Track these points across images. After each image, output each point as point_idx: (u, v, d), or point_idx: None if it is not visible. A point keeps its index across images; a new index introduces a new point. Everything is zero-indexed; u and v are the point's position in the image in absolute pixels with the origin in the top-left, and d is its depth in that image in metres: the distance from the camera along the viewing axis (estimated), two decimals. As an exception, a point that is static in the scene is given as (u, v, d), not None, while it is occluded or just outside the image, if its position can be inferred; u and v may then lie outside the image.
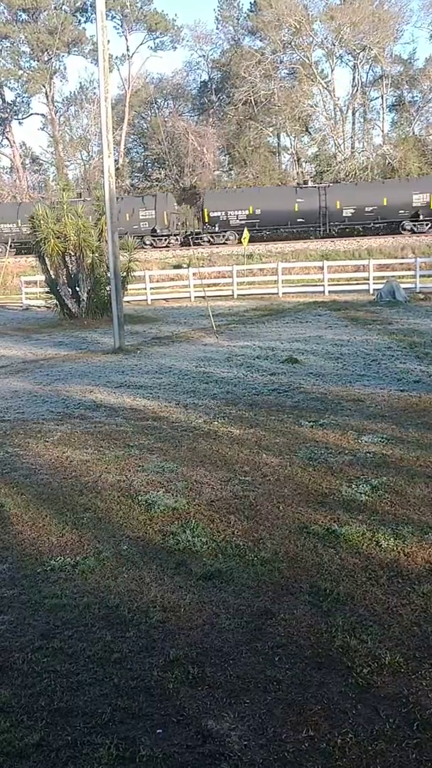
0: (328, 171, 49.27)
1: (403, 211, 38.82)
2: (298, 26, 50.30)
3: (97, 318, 20.69)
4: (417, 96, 56.85)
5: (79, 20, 59.59)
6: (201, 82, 61.84)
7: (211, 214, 39.56)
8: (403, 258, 31.87)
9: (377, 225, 39.66)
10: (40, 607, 4.30)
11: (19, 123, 64.81)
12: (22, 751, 3.09)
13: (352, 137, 55.63)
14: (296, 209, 39.16)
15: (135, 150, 62.91)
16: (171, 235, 41.02)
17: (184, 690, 3.46)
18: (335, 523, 5.31)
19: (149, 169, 60.37)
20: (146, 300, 27.42)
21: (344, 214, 39.10)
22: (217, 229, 39.71)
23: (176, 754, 3.04)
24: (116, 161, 46.80)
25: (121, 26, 60.17)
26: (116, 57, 59.32)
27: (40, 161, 64.41)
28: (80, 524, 5.51)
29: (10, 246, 39.34)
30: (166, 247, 40.26)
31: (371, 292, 25.19)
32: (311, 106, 53.70)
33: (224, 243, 39.36)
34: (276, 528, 5.28)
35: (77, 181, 56.04)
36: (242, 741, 3.10)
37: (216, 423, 8.45)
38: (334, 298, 24.39)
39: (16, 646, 3.91)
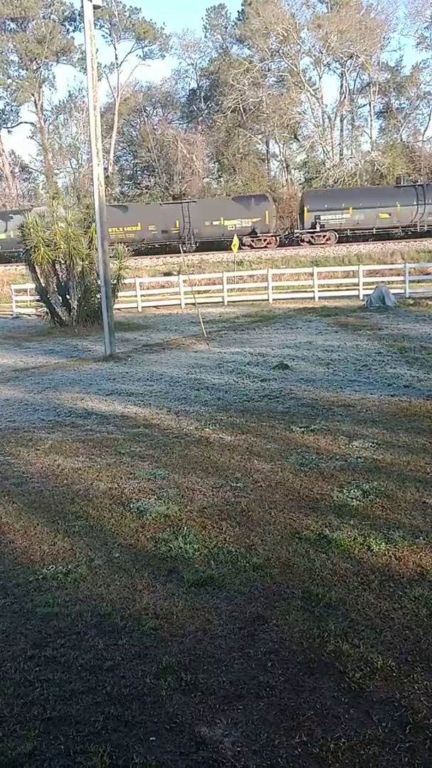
0: (317, 177, 49.51)
1: None
2: (285, 34, 50.58)
3: (87, 326, 20.69)
4: (404, 103, 57.31)
5: (68, 29, 59.80)
6: (190, 90, 62.14)
7: None
8: (392, 264, 32.04)
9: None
10: (32, 616, 4.28)
11: (8, 131, 64.96)
12: (15, 760, 3.08)
13: (340, 144, 55.94)
14: None
15: (124, 158, 63.02)
16: None
17: (177, 697, 3.45)
18: (327, 528, 5.32)
19: (139, 177, 60.47)
20: (137, 307, 27.44)
21: None
22: None
23: (170, 762, 3.03)
24: (105, 169, 46.86)
25: (110, 35, 60.36)
26: (105, 65, 59.61)
27: (30, 169, 64.40)
28: (72, 532, 5.50)
29: None
30: None
31: (361, 297, 25.29)
32: (299, 114, 53.95)
33: None
34: (268, 534, 5.29)
35: (67, 189, 56.04)
36: (235, 747, 3.10)
37: (207, 429, 8.45)
38: (324, 304, 24.47)
39: (8, 655, 3.89)
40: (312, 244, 39.19)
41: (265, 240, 40.20)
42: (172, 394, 10.78)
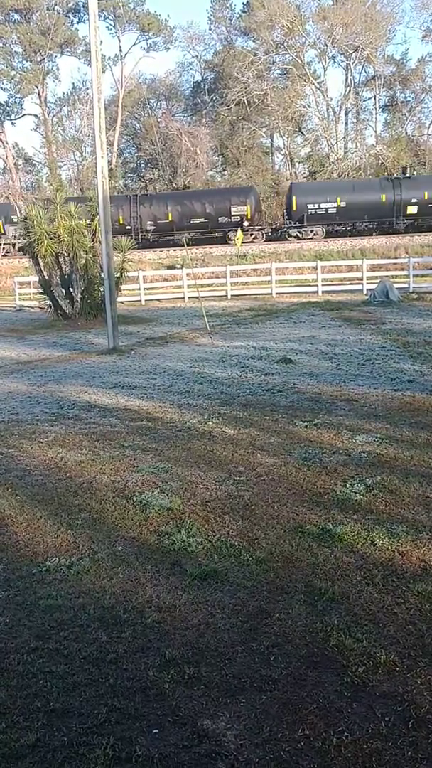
0: (321, 171, 49.36)
1: None
2: (290, 27, 50.32)
3: (90, 319, 20.68)
4: (409, 96, 57.04)
5: (72, 21, 59.49)
6: (194, 82, 61.88)
7: None
8: (396, 258, 31.94)
9: None
10: (36, 608, 4.29)
11: (12, 124, 64.77)
12: (18, 752, 3.09)
13: (345, 137, 55.70)
14: None
15: (128, 150, 62.84)
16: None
17: (179, 690, 3.46)
18: (330, 522, 5.32)
19: (142, 170, 60.32)
20: (140, 300, 27.40)
21: None
22: None
23: (172, 754, 3.04)
24: (109, 162, 46.61)
25: (114, 27, 60.04)
26: (109, 57, 59.33)
27: (33, 162, 64.24)
28: (75, 525, 5.51)
29: None
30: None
31: (365, 292, 25.21)
32: (304, 107, 53.77)
33: None
34: (271, 528, 5.29)
35: (70, 182, 55.95)
36: (238, 740, 3.10)
37: (210, 423, 8.45)
38: (328, 298, 24.41)
39: (11, 647, 3.90)
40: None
41: None
42: (175, 388, 10.77)
